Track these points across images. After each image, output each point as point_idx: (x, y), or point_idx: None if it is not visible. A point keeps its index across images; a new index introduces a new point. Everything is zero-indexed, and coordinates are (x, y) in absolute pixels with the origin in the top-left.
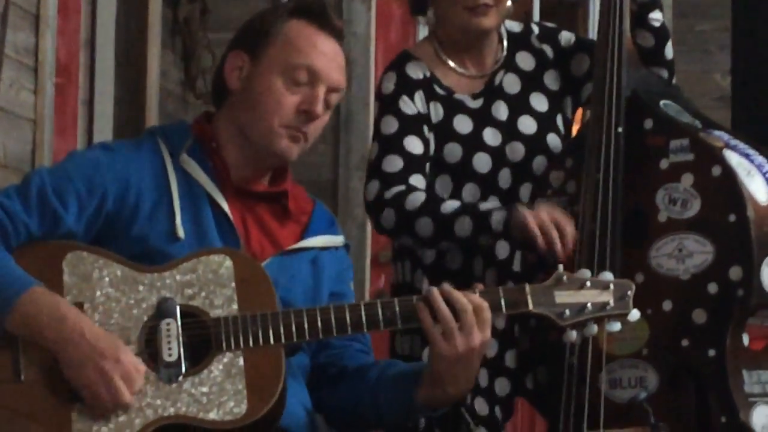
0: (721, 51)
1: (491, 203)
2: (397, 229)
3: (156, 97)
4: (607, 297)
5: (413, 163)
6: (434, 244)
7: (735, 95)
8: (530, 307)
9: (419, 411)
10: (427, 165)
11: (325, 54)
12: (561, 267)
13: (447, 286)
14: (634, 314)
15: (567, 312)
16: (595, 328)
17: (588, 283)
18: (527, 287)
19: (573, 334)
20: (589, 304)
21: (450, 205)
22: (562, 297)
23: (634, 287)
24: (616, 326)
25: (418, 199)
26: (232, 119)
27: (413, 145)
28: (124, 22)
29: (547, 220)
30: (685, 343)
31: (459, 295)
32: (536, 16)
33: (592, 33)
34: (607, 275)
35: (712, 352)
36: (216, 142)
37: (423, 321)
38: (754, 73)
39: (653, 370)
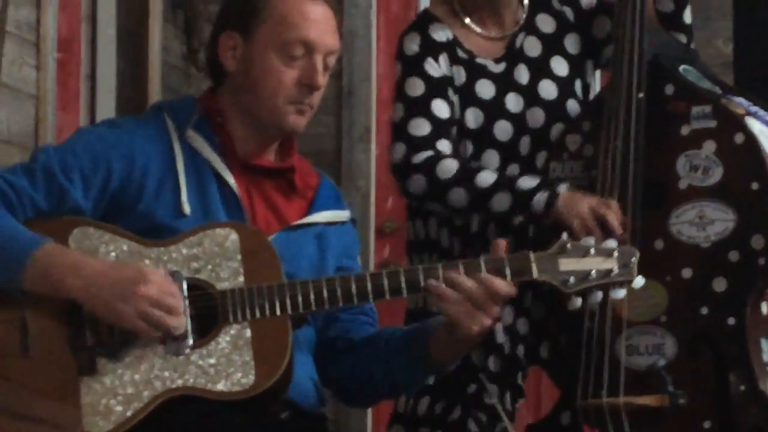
0: (723, 17)
1: (530, 179)
2: (428, 196)
3: (158, 71)
4: (612, 264)
5: (441, 128)
6: (466, 215)
7: (737, 62)
8: (534, 274)
9: (432, 366)
10: (454, 129)
11: (316, 22)
12: (565, 235)
13: (450, 274)
14: (639, 281)
15: (571, 279)
16: (599, 296)
17: (592, 251)
18: (531, 255)
19: (578, 301)
20: (593, 271)
21: (486, 178)
22: (567, 264)
23: (638, 254)
24: (621, 293)
25: (450, 167)
26: (236, 99)
27: (440, 108)
28: None
29: (589, 215)
30: (704, 311)
31: (464, 279)
32: None
33: None
34: (611, 242)
35: (731, 321)
36: (222, 117)
37: (442, 308)
38: (755, 39)
39: (671, 338)
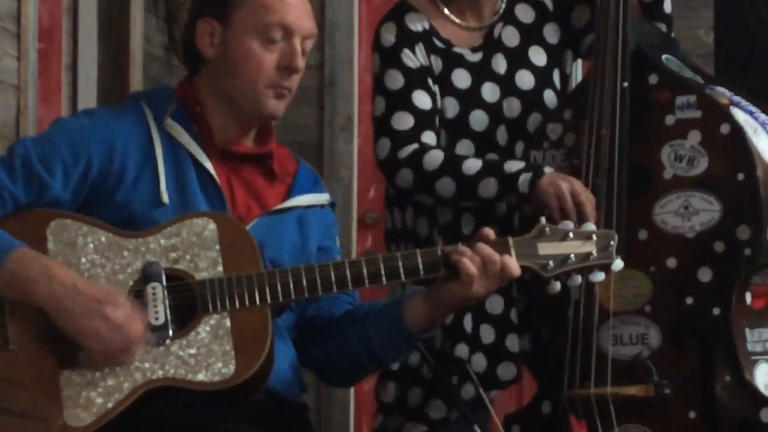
0: (705, 7)
1: (515, 162)
2: (416, 189)
3: (140, 62)
4: (590, 247)
5: (424, 120)
6: (455, 204)
7: (717, 51)
8: (514, 259)
9: (408, 332)
10: (437, 119)
11: (294, 6)
12: (543, 219)
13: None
14: (618, 264)
15: (551, 263)
16: (579, 279)
17: (571, 234)
18: (510, 240)
19: (556, 285)
20: (572, 255)
21: (472, 165)
22: (546, 249)
23: (617, 237)
24: (600, 276)
25: (436, 158)
26: (214, 85)
27: (421, 100)
28: None
29: (568, 196)
30: (689, 301)
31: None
32: None
33: None
34: (590, 226)
35: (716, 311)
36: (200, 105)
37: (462, 266)
38: (735, 29)
39: (656, 328)
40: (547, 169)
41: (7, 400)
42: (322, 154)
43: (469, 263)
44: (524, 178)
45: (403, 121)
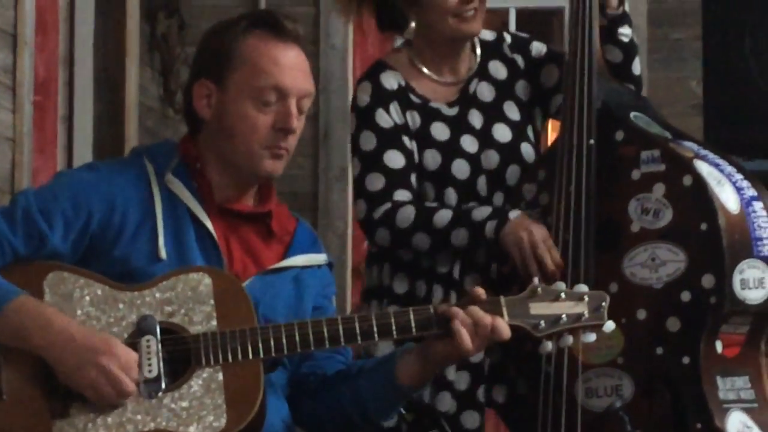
0: (696, 58)
1: (483, 209)
2: (394, 246)
3: (135, 113)
4: (582, 308)
5: (395, 178)
6: (434, 255)
7: (707, 103)
8: (506, 318)
9: (400, 390)
10: (413, 175)
11: (288, 67)
12: (536, 279)
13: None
14: (609, 325)
15: (542, 323)
16: (570, 339)
17: (563, 295)
18: (502, 299)
19: (548, 345)
20: (564, 316)
21: (443, 216)
22: (537, 308)
23: (608, 299)
24: (591, 337)
25: (408, 214)
26: (212, 146)
27: (393, 159)
28: (102, 39)
29: (528, 248)
30: (659, 351)
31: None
32: (512, 25)
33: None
34: (582, 287)
35: (686, 360)
36: (200, 162)
37: (454, 328)
38: (725, 80)
39: (629, 379)
40: (513, 214)
41: None
42: (317, 204)
43: (462, 327)
44: (490, 226)
45: (376, 181)
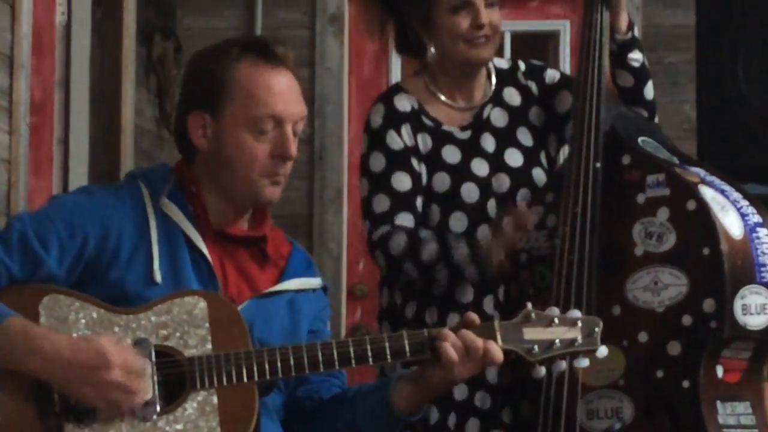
0: (690, 82)
1: (462, 251)
2: (390, 270)
3: (131, 135)
4: (576, 334)
5: (400, 202)
6: (424, 284)
7: (700, 126)
8: (499, 342)
9: (395, 416)
10: (418, 198)
11: (282, 93)
12: (530, 305)
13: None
14: (602, 351)
15: (535, 348)
16: (563, 365)
17: (556, 320)
18: (496, 323)
19: (541, 370)
20: (557, 341)
21: (430, 252)
22: (531, 333)
23: (601, 324)
24: (585, 362)
25: (399, 242)
26: (209, 174)
27: (400, 181)
28: (99, 61)
29: (504, 264)
30: (659, 374)
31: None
32: (508, 48)
33: (563, 65)
34: (575, 312)
35: (686, 384)
36: (196, 186)
37: (443, 351)
38: (718, 104)
39: (629, 401)
40: (482, 235)
41: None
42: (312, 226)
43: (451, 349)
44: (470, 270)
45: (381, 203)
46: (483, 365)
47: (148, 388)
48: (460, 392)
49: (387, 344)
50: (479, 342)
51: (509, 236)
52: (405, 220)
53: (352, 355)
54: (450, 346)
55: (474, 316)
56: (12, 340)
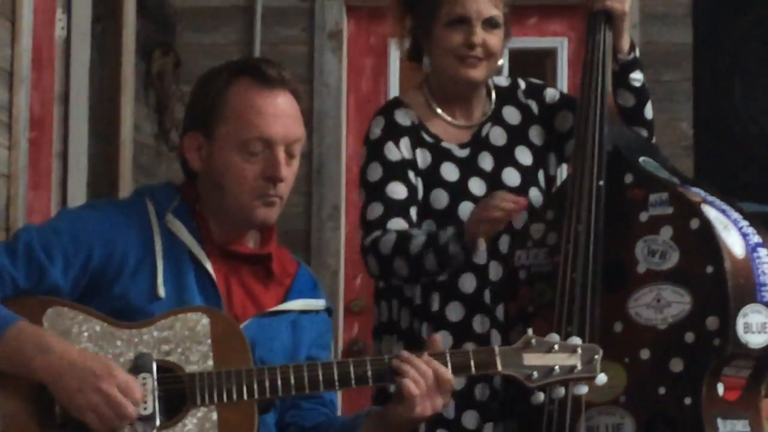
0: (687, 100)
1: (449, 230)
2: (382, 275)
3: (130, 150)
4: (575, 360)
5: (393, 208)
6: (416, 282)
7: (697, 144)
8: (499, 368)
9: None
10: (412, 208)
11: (274, 116)
12: (530, 330)
13: (406, 354)
14: (601, 378)
15: (535, 374)
16: (562, 391)
17: (556, 347)
18: (496, 349)
19: (540, 396)
20: (557, 367)
21: (418, 243)
22: (531, 359)
23: (601, 352)
24: (583, 389)
25: (389, 240)
26: (207, 194)
27: (395, 191)
28: (98, 76)
29: (486, 230)
30: (662, 391)
31: (419, 362)
32: (505, 66)
33: (561, 83)
34: (575, 339)
35: (688, 401)
36: (200, 205)
37: (404, 386)
38: (716, 122)
39: (630, 418)
40: (467, 217)
41: None
42: (310, 241)
43: (412, 384)
44: (453, 247)
45: (375, 210)
46: (446, 392)
47: (133, 418)
48: (448, 412)
49: (388, 363)
50: (428, 370)
51: (490, 209)
52: (397, 225)
53: (352, 376)
54: (410, 380)
55: (437, 339)
56: (21, 342)
